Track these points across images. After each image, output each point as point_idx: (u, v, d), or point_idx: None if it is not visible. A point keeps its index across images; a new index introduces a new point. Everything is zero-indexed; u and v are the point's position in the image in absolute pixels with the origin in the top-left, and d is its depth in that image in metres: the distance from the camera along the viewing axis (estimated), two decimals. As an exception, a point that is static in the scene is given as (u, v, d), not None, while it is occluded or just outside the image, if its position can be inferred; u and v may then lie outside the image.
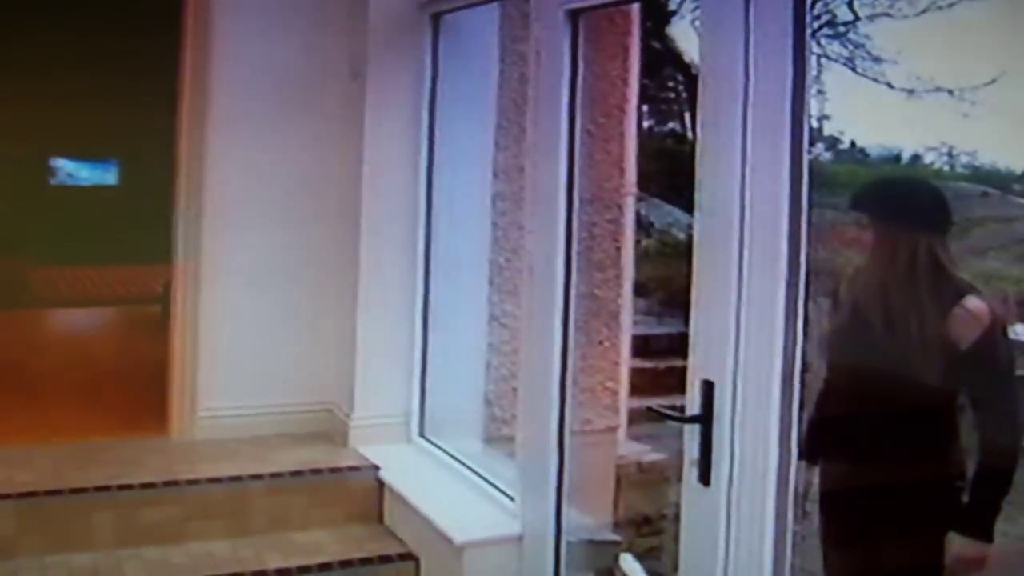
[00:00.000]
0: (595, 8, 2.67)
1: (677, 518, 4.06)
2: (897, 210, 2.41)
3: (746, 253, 1.98)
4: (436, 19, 3.49)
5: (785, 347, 1.93)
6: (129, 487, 3.24)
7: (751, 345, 1.97)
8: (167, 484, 3.30)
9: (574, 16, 2.51)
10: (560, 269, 2.58)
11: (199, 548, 3.20)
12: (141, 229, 7.99)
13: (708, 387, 2.04)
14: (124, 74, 7.85)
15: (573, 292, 2.61)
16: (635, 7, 3.76)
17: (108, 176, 9.84)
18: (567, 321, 2.60)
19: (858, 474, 2.44)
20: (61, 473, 3.31)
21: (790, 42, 1.89)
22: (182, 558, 3.14)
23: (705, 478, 2.05)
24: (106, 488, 3.23)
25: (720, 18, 2.03)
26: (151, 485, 3.27)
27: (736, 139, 1.97)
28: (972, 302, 2.28)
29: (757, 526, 1.96)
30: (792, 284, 1.93)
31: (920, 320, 2.32)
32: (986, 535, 2.28)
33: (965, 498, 2.33)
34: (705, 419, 2.04)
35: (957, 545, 2.28)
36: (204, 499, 3.29)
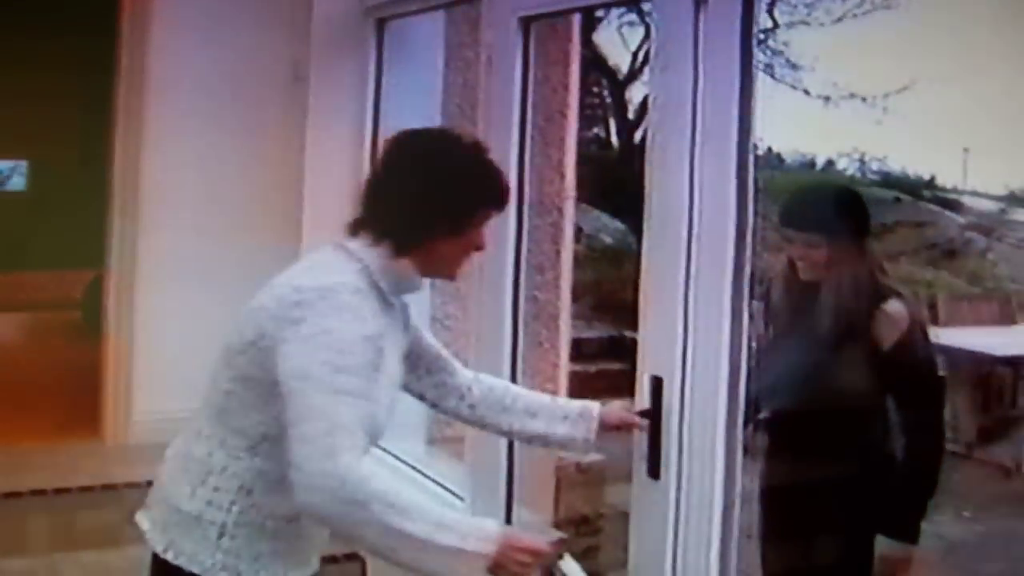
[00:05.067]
0: (546, 16, 2.73)
1: (615, 518, 4.14)
2: (823, 219, 2.46)
3: (694, 257, 2.05)
4: (381, 24, 3.51)
5: (732, 345, 2.01)
6: (67, 491, 3.19)
7: (699, 343, 2.04)
8: (105, 488, 3.26)
9: (526, 23, 2.57)
10: (510, 273, 2.64)
11: (138, 552, 3.16)
12: (55, 234, 7.78)
13: (657, 383, 2.09)
14: (32, 71, 7.58)
15: (522, 295, 2.66)
16: (576, 15, 3.84)
17: (16, 180, 9.53)
18: (516, 324, 2.65)
19: (795, 472, 2.53)
20: (-7, 478, 3.25)
21: (738, 52, 1.96)
22: (121, 562, 3.09)
23: (654, 472, 2.10)
24: (42, 492, 3.18)
25: (670, 29, 2.09)
26: (88, 489, 3.23)
27: (685, 147, 2.04)
28: (892, 306, 2.39)
29: (706, 518, 2.03)
30: (738, 286, 2.00)
31: (847, 324, 2.41)
32: (911, 537, 2.37)
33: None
34: (654, 414, 2.09)
35: (884, 547, 2.37)
36: (142, 503, 3.25)
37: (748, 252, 2.02)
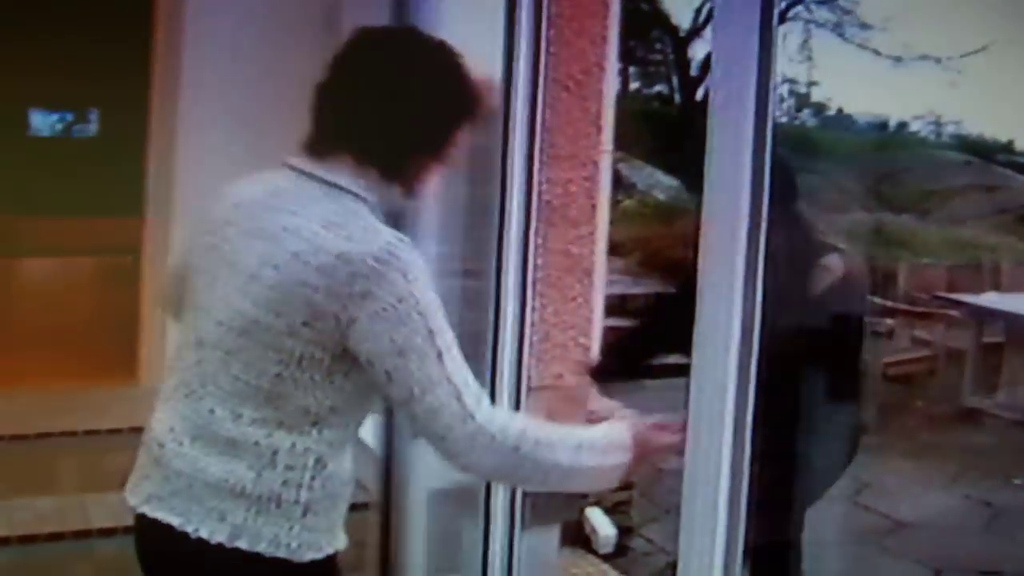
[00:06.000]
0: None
1: (646, 474, 4.06)
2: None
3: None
4: (414, -30, 3.45)
5: (744, 306, 1.94)
6: (95, 432, 3.25)
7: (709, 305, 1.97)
8: (133, 430, 3.30)
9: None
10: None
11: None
12: (121, 182, 7.91)
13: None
14: (103, 25, 7.71)
15: (539, 247, 2.62)
16: (615, -37, 3.73)
17: (87, 127, 9.71)
18: (525, 276, 2.61)
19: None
20: (27, 419, 3.31)
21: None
22: (148, 504, 3.15)
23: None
24: (72, 433, 3.24)
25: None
26: (117, 431, 3.28)
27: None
28: (830, 259, 2.52)
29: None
30: (753, 243, 1.93)
31: (787, 282, 2.40)
32: None
33: None
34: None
35: None
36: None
37: (764, 209, 1.95)
